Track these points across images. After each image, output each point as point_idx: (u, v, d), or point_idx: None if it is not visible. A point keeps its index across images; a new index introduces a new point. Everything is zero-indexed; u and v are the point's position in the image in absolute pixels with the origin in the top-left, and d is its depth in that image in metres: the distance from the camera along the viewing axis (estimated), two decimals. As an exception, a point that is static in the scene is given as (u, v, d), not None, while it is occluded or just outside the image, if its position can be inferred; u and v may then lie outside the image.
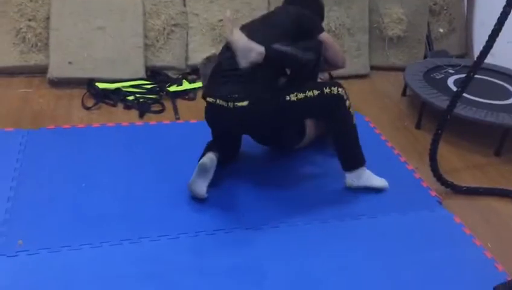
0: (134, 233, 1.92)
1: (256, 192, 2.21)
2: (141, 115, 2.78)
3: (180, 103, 2.96)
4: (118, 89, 2.95)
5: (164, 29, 3.17)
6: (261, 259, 1.86)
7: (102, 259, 1.79)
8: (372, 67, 3.55)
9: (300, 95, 2.04)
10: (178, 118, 2.80)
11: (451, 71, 3.17)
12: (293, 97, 2.03)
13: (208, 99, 2.09)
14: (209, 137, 2.24)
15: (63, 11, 3.02)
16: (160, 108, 2.88)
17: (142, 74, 3.07)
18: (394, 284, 1.81)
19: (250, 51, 1.94)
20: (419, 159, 2.56)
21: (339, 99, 2.11)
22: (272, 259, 1.86)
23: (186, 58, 3.24)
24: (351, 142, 2.19)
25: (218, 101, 2.04)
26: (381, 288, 1.79)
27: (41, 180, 2.16)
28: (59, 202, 2.04)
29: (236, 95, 1.99)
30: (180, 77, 3.17)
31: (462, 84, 2.18)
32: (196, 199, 2.10)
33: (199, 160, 2.11)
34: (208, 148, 2.17)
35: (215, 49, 3.19)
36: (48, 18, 3.02)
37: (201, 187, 2.09)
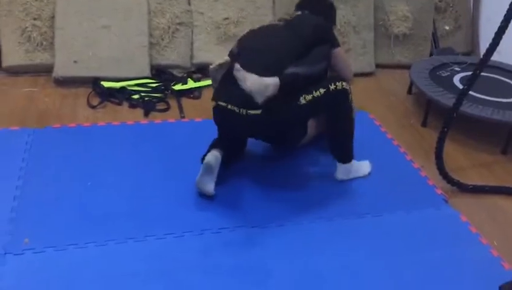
0: (140, 231, 1.92)
1: (261, 191, 2.21)
2: (146, 114, 2.79)
3: (185, 101, 2.96)
4: (123, 88, 2.96)
5: (169, 27, 3.17)
6: (266, 257, 1.86)
7: (108, 257, 1.80)
8: (378, 65, 3.54)
9: (309, 97, 2.04)
10: (183, 117, 2.80)
11: (457, 69, 3.15)
12: (302, 100, 2.03)
13: (220, 103, 2.07)
14: (214, 136, 2.24)
15: (68, 10, 3.03)
16: (165, 107, 2.88)
17: (147, 72, 3.07)
18: (399, 283, 1.80)
19: (266, 87, 1.92)
20: (425, 157, 2.55)
21: (344, 94, 2.11)
22: (277, 257, 1.86)
23: (191, 57, 3.24)
24: (349, 135, 2.22)
25: (229, 106, 2.02)
26: (387, 286, 1.78)
27: (47, 178, 2.17)
28: (65, 201, 2.05)
29: (250, 103, 1.96)
30: (185, 75, 3.17)
31: (469, 82, 2.17)
32: (201, 197, 2.11)
33: (203, 157, 2.11)
34: (213, 145, 2.17)
35: (221, 48, 3.20)
36: (53, 17, 3.03)
37: (209, 184, 2.09)
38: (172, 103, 2.92)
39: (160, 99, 2.92)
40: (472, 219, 2.14)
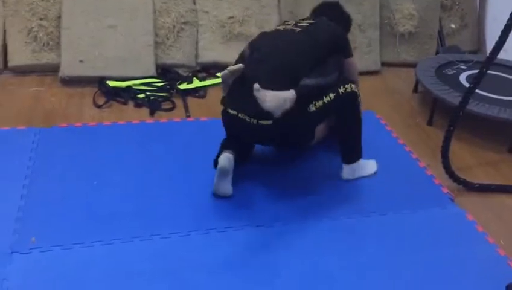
0: (146, 230, 1.93)
1: (266, 190, 2.21)
2: (152, 113, 2.79)
3: (191, 100, 2.96)
4: (128, 87, 2.96)
5: (174, 27, 3.18)
6: (272, 257, 1.86)
7: (114, 256, 1.80)
8: (383, 64, 3.53)
9: (319, 103, 2.04)
10: (188, 116, 2.80)
11: (463, 67, 3.13)
12: (312, 108, 2.03)
13: (230, 111, 2.07)
14: (219, 135, 2.23)
15: (74, 10, 3.04)
16: (171, 106, 2.88)
17: (153, 71, 3.08)
18: (405, 282, 1.80)
19: (284, 101, 1.90)
20: (431, 156, 2.54)
21: (354, 96, 2.12)
22: (283, 257, 1.86)
23: (196, 56, 3.25)
24: (357, 137, 2.22)
25: (240, 114, 2.02)
26: (393, 285, 1.78)
27: (54, 178, 2.18)
28: (71, 200, 2.06)
29: (262, 114, 1.94)
30: (190, 74, 3.18)
31: (475, 80, 2.16)
32: (207, 196, 2.11)
33: (216, 160, 2.10)
34: (224, 146, 2.16)
35: (226, 47, 3.20)
36: (59, 17, 3.04)
37: (227, 187, 2.10)
38: (178, 102, 2.92)
39: (165, 99, 2.93)
40: (478, 217, 2.14)
